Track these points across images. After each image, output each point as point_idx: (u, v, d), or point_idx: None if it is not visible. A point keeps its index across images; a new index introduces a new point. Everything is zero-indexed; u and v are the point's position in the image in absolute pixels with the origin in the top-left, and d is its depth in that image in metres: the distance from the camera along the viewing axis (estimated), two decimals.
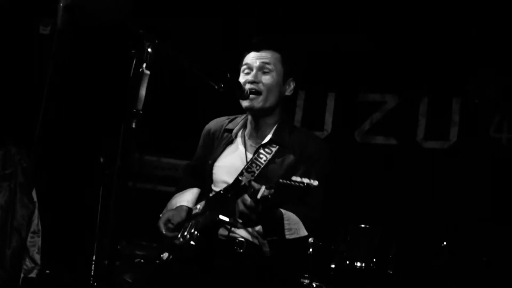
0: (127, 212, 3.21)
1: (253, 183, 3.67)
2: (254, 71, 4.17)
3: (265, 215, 3.73)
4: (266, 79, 4.16)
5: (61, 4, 6.56)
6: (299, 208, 3.97)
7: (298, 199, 3.82)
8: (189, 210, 4.21)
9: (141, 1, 7.11)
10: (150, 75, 3.29)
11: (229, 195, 3.94)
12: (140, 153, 7.30)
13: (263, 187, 3.61)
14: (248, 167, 4.12)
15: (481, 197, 6.73)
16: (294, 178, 3.53)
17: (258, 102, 4.17)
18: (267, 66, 4.17)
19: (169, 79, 6.77)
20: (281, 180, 3.55)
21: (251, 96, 4.14)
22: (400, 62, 7.35)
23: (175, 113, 7.70)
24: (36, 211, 6.10)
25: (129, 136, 3.21)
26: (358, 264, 5.98)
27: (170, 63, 3.54)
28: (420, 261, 6.45)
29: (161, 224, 4.13)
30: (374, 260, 5.98)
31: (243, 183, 4.03)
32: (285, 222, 3.88)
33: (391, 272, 6.08)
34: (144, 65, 3.29)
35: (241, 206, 3.68)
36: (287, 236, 3.90)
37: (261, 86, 4.15)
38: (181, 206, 4.23)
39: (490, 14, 7.01)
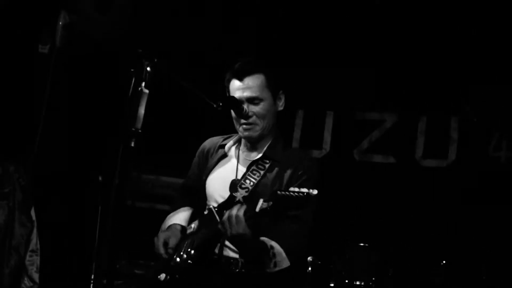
0: (126, 230, 3.20)
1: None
2: (245, 104, 4.18)
3: (250, 239, 3.76)
4: (257, 109, 4.18)
5: (60, 23, 6.58)
6: (289, 227, 3.99)
7: (296, 208, 3.82)
8: (183, 229, 4.20)
9: (137, 18, 7.12)
10: (149, 93, 3.29)
11: (224, 211, 3.95)
12: (138, 172, 7.28)
13: (261, 200, 3.66)
14: (242, 183, 4.13)
15: (479, 215, 6.72)
16: (292, 188, 3.57)
17: (255, 132, 4.23)
18: (256, 97, 4.18)
19: (168, 97, 6.77)
20: (279, 192, 3.58)
21: (247, 126, 4.18)
22: (399, 81, 7.36)
23: (173, 131, 7.70)
24: (35, 230, 6.08)
25: (128, 154, 3.21)
26: (357, 282, 5.96)
27: (168, 81, 3.54)
28: (419, 280, 6.43)
29: (161, 248, 4.10)
30: (373, 278, 5.97)
31: (237, 199, 4.04)
32: (271, 254, 3.90)
33: None
34: (143, 84, 3.29)
35: (226, 214, 3.74)
36: (269, 270, 3.91)
37: (255, 118, 4.19)
38: (174, 225, 4.23)
39: (488, 32, 7.02)
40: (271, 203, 3.63)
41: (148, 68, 3.31)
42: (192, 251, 3.95)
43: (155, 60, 3.34)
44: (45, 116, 6.53)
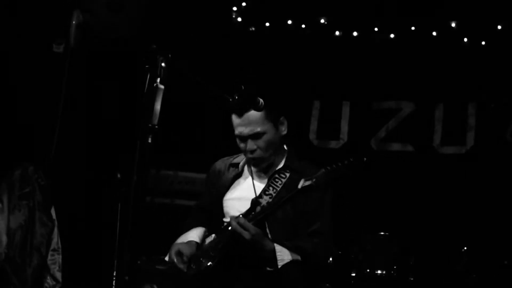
0: (146, 227, 3.21)
1: None
2: (248, 140, 4.17)
3: (255, 245, 3.87)
4: (260, 142, 4.16)
5: (73, 22, 6.60)
6: (312, 240, 4.06)
7: (342, 177, 3.89)
8: (198, 245, 4.20)
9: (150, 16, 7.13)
10: (165, 89, 3.30)
11: (249, 217, 3.97)
12: (157, 168, 7.30)
13: (302, 180, 3.85)
14: (266, 190, 4.13)
15: (499, 200, 6.70)
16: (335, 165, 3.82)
17: (263, 163, 4.26)
18: (257, 132, 4.14)
19: (183, 92, 6.78)
20: (327, 167, 3.84)
21: (254, 161, 4.24)
22: (415, 69, 7.34)
23: (191, 126, 7.71)
24: (56, 229, 6.12)
25: (145, 151, 3.22)
26: (379, 272, 5.97)
27: (184, 77, 3.54)
28: (440, 267, 6.43)
29: (173, 255, 4.10)
30: (395, 267, 5.97)
31: (262, 204, 4.04)
32: (277, 254, 3.92)
33: (412, 279, 6.07)
34: (158, 79, 3.30)
35: (233, 223, 3.85)
36: (279, 264, 3.93)
37: (258, 152, 4.17)
38: (191, 241, 4.23)
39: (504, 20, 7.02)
40: (314, 180, 3.81)
41: (163, 64, 3.32)
42: (214, 252, 3.98)
43: (170, 55, 3.34)
44: (62, 115, 6.55)
